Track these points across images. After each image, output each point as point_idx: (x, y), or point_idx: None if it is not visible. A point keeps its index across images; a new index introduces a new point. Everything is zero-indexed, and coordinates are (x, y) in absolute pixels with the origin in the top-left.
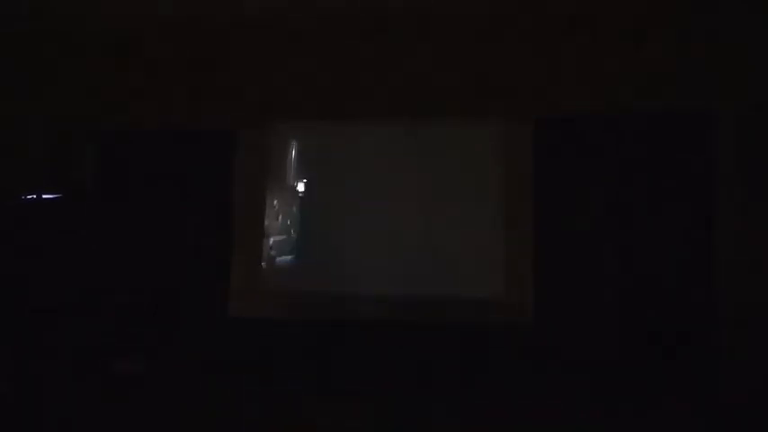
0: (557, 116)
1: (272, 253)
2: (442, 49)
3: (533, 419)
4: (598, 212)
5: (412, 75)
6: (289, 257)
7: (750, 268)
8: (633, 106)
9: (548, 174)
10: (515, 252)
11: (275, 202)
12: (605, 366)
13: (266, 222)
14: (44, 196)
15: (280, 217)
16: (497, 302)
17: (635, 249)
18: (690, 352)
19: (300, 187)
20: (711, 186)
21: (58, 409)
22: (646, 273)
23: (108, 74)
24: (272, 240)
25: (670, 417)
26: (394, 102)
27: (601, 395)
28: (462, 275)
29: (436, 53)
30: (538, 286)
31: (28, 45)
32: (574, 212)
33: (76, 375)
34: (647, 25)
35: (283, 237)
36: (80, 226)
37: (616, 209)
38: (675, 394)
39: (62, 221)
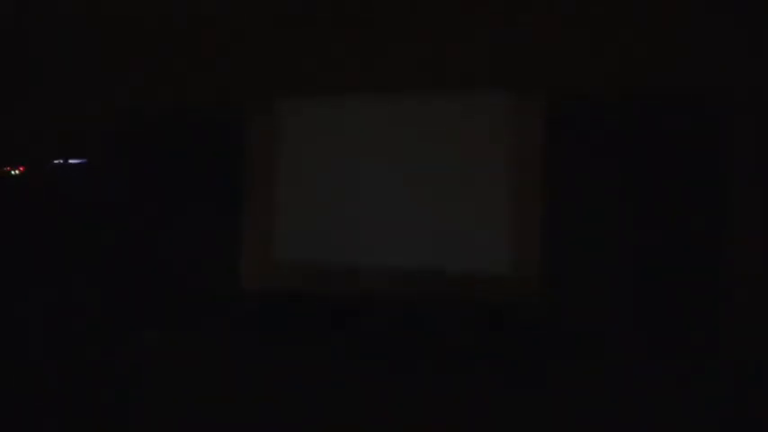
0: (570, 90)
1: (285, 225)
2: (454, 21)
3: (542, 395)
4: (610, 189)
5: (422, 47)
6: (300, 230)
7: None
8: (648, 86)
9: (560, 150)
10: (526, 228)
11: (287, 174)
12: (615, 343)
13: (278, 195)
14: (71, 161)
15: (292, 189)
16: (507, 278)
17: (647, 227)
18: (701, 330)
19: (312, 159)
20: (727, 167)
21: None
22: (658, 251)
23: (117, 50)
24: (284, 213)
25: (680, 396)
26: (404, 74)
27: (609, 372)
28: (472, 250)
29: (448, 24)
30: (548, 263)
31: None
32: (586, 189)
33: (92, 344)
34: (663, 3)
35: (295, 209)
36: (97, 196)
37: (629, 187)
38: (686, 370)
39: (82, 190)
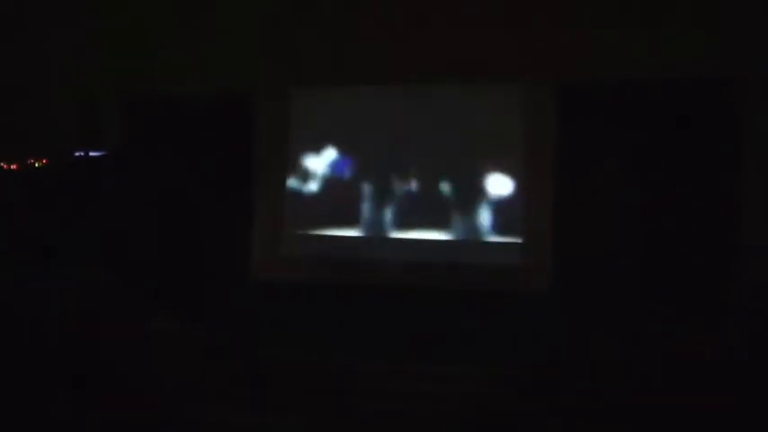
0: (579, 81)
1: (293, 217)
2: (464, 13)
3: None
4: (618, 180)
5: (432, 38)
6: (308, 222)
7: None
8: (657, 72)
9: (569, 139)
10: (534, 219)
11: (296, 166)
12: (620, 333)
13: (287, 187)
14: (91, 153)
15: (301, 181)
16: (515, 269)
17: (655, 217)
18: (708, 325)
19: (320, 152)
20: (736, 155)
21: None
22: (666, 242)
23: (128, 41)
24: (292, 205)
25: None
26: (414, 66)
27: (612, 362)
28: (481, 242)
29: (458, 16)
30: (556, 254)
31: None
32: (594, 179)
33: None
34: None
35: (304, 201)
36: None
37: (637, 177)
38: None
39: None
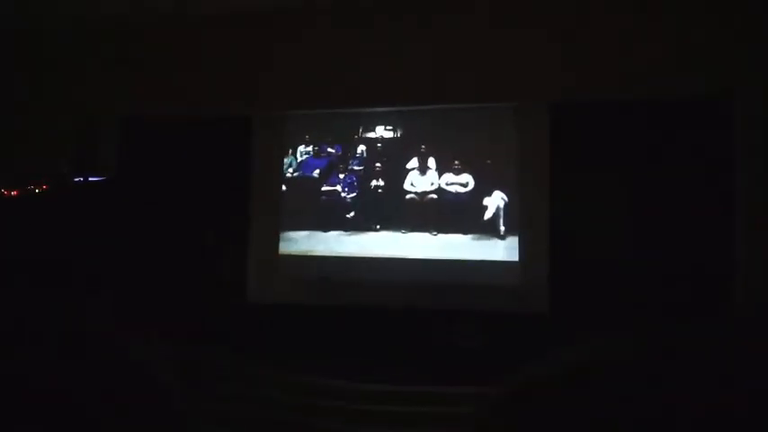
0: (573, 102)
1: (288, 239)
2: (457, 35)
3: None
4: (615, 199)
5: (426, 61)
6: (304, 243)
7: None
8: (648, 91)
9: (565, 158)
10: (532, 238)
11: (291, 188)
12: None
13: (282, 209)
14: (90, 179)
15: (296, 203)
16: (513, 290)
17: (651, 236)
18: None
19: (316, 173)
20: (731, 170)
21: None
22: (662, 260)
23: (125, 65)
24: (287, 226)
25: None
26: (409, 88)
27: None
28: (478, 263)
29: (452, 39)
30: (554, 272)
31: (48, 38)
32: (590, 199)
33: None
34: (660, 9)
35: (299, 223)
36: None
37: (632, 195)
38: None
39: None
